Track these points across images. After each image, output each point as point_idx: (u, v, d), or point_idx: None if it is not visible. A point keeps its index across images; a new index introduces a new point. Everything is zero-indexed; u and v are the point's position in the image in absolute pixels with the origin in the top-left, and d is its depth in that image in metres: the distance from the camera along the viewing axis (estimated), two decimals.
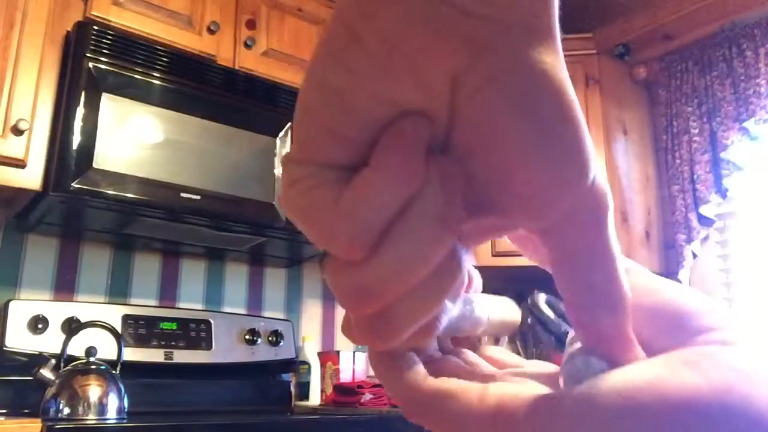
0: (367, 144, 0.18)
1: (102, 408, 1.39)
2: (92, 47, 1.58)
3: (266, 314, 2.12)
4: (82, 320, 1.62)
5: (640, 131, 2.46)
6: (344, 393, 1.86)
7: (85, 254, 1.85)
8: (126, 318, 1.76)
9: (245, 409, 1.89)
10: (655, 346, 0.20)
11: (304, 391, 1.97)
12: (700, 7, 2.29)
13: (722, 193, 2.19)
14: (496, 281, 2.09)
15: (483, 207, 0.19)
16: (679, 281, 2.14)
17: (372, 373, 2.22)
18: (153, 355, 1.75)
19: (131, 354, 1.68)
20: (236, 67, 1.87)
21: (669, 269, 2.28)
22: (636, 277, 0.22)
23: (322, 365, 2.03)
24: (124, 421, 1.40)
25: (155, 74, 1.67)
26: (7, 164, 1.48)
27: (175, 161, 1.65)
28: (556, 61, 0.18)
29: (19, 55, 1.52)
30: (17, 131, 1.48)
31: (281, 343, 2.01)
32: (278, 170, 1.82)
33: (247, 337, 1.95)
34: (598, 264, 0.19)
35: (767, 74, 2.14)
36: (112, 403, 1.41)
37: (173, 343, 1.80)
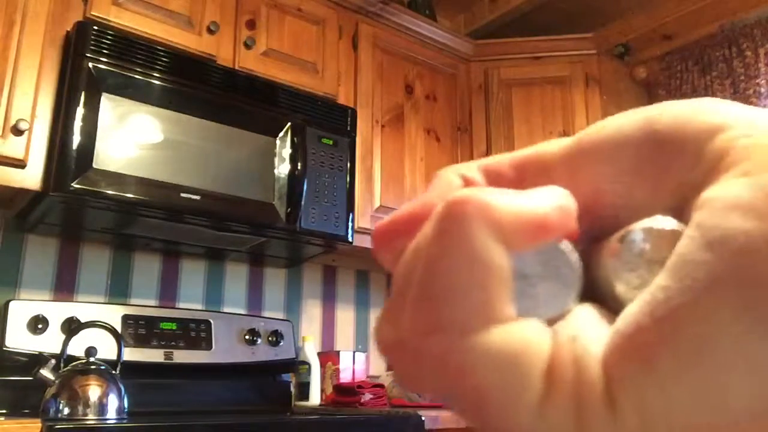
0: None
1: (102, 408, 1.39)
2: (92, 47, 1.58)
3: (266, 314, 2.12)
4: (82, 320, 1.62)
5: None
6: (344, 393, 1.86)
7: (85, 254, 1.85)
8: (126, 318, 1.76)
9: (245, 409, 1.89)
10: (633, 202, 0.18)
11: (304, 391, 1.97)
12: (700, 7, 2.29)
13: None
14: None
15: None
16: None
17: (372, 373, 2.22)
18: (153, 355, 1.75)
19: (131, 354, 1.68)
20: (236, 67, 1.87)
21: None
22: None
23: (322, 365, 2.03)
24: (124, 421, 1.40)
25: (155, 74, 1.67)
26: (7, 164, 1.48)
27: (175, 161, 1.65)
28: None
29: (19, 55, 1.52)
30: (17, 131, 1.48)
31: (281, 344, 2.01)
32: (278, 170, 1.82)
33: (247, 337, 1.95)
34: None
35: (767, 74, 2.14)
36: (112, 403, 1.41)
37: (173, 343, 1.80)
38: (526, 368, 0.16)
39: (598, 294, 0.18)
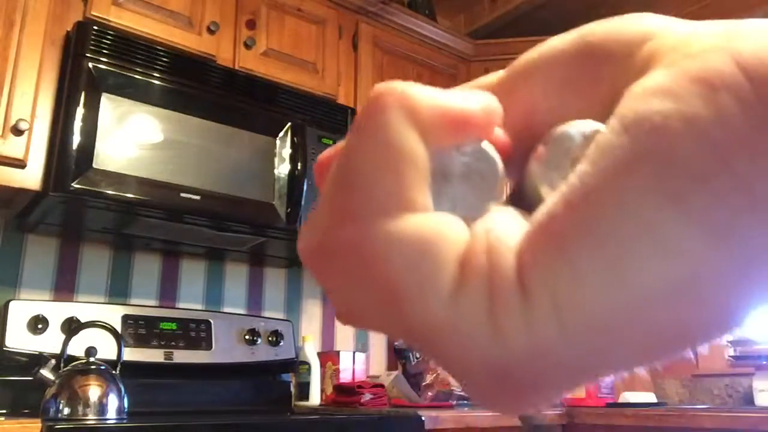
0: None
1: (102, 408, 1.39)
2: (92, 47, 1.58)
3: (266, 314, 2.12)
4: (82, 320, 1.62)
5: None
6: (344, 393, 1.86)
7: (85, 254, 1.85)
8: (126, 318, 1.76)
9: (245, 409, 1.89)
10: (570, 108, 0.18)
11: (304, 391, 1.97)
12: (700, 8, 2.29)
13: None
14: None
15: None
16: None
17: (372, 373, 2.22)
18: (153, 355, 1.75)
19: (131, 354, 1.68)
20: (236, 67, 1.87)
21: None
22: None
23: (322, 365, 2.03)
24: (124, 421, 1.40)
25: (155, 74, 1.67)
26: (7, 164, 1.48)
27: (175, 161, 1.65)
28: None
29: (19, 55, 1.52)
30: (17, 131, 1.48)
31: (281, 343, 2.01)
32: (278, 170, 1.82)
33: (247, 337, 1.95)
34: None
35: None
36: (112, 403, 1.41)
37: (173, 343, 1.80)
38: (438, 256, 0.15)
39: (529, 208, 0.17)
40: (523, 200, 0.18)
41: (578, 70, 0.18)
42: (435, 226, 0.16)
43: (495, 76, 0.20)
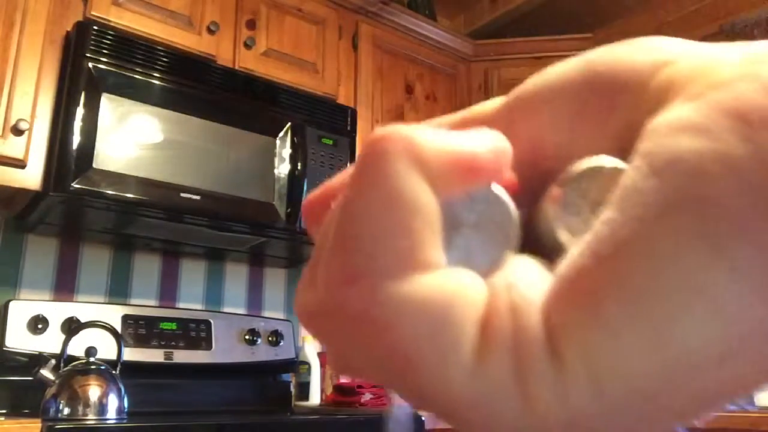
0: None
1: (102, 408, 1.39)
2: (92, 47, 1.58)
3: (266, 314, 2.12)
4: (82, 320, 1.62)
5: None
6: (344, 393, 1.86)
7: (85, 254, 1.85)
8: (126, 318, 1.76)
9: (245, 409, 1.89)
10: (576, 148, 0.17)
11: (304, 391, 1.97)
12: (700, 7, 2.29)
13: None
14: None
15: None
16: None
17: None
18: (153, 355, 1.75)
19: (131, 354, 1.68)
20: (236, 67, 1.87)
21: None
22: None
23: (322, 365, 2.03)
24: (124, 421, 1.40)
25: (155, 74, 1.67)
26: (7, 164, 1.48)
27: (175, 161, 1.65)
28: None
29: (19, 55, 1.52)
30: (17, 131, 1.48)
31: (281, 343, 2.01)
32: (278, 170, 1.82)
33: (247, 337, 1.95)
34: None
35: None
36: (112, 403, 1.41)
37: (173, 343, 1.80)
38: (457, 319, 0.14)
39: (543, 252, 0.16)
40: (535, 242, 0.17)
41: (587, 101, 0.17)
42: (451, 287, 0.14)
43: (492, 106, 0.19)
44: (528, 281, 0.14)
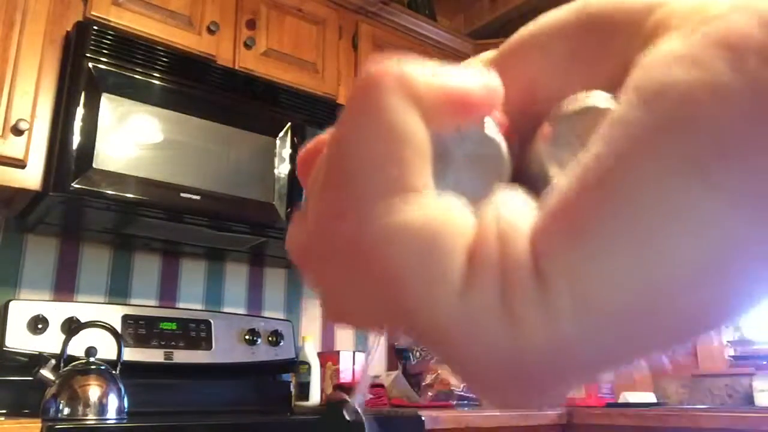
0: None
1: (102, 408, 1.39)
2: (92, 47, 1.58)
3: (266, 314, 2.12)
4: (82, 320, 1.62)
5: None
6: (344, 393, 1.85)
7: (85, 254, 1.85)
8: (126, 318, 1.76)
9: (245, 409, 1.88)
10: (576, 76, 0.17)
11: (304, 391, 1.97)
12: None
13: None
14: None
15: None
16: None
17: (372, 373, 2.22)
18: (153, 355, 1.75)
19: (131, 354, 1.68)
20: (236, 67, 1.86)
21: None
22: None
23: (322, 365, 2.03)
24: (124, 421, 1.40)
25: (155, 74, 1.67)
26: (7, 164, 1.48)
27: (175, 161, 1.65)
28: None
29: (19, 55, 1.52)
30: (17, 131, 1.48)
31: (281, 343, 2.01)
32: (278, 170, 1.82)
33: (247, 337, 1.95)
34: None
35: None
36: (112, 403, 1.41)
37: (173, 343, 1.80)
38: (446, 246, 0.14)
39: (535, 190, 0.16)
40: (527, 183, 0.17)
41: (581, 43, 0.17)
42: (439, 213, 0.14)
43: (486, 56, 0.19)
44: (516, 211, 0.15)
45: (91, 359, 1.46)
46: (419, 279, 0.14)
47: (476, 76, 0.17)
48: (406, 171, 0.15)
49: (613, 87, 0.15)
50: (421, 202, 0.15)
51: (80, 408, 1.37)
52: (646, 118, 0.13)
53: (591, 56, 0.17)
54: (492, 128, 0.17)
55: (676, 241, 0.12)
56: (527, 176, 0.17)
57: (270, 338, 2.00)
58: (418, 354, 2.13)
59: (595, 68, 0.17)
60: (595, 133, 0.14)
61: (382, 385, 1.91)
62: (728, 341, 2.20)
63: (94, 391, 1.39)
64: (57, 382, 1.39)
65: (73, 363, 1.45)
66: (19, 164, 1.49)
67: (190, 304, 1.99)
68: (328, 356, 2.08)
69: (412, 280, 0.14)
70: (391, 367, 2.31)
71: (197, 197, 1.65)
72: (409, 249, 0.14)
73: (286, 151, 1.84)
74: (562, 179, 0.14)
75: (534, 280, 0.13)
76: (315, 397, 1.96)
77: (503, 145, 0.17)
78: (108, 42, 1.61)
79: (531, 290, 0.13)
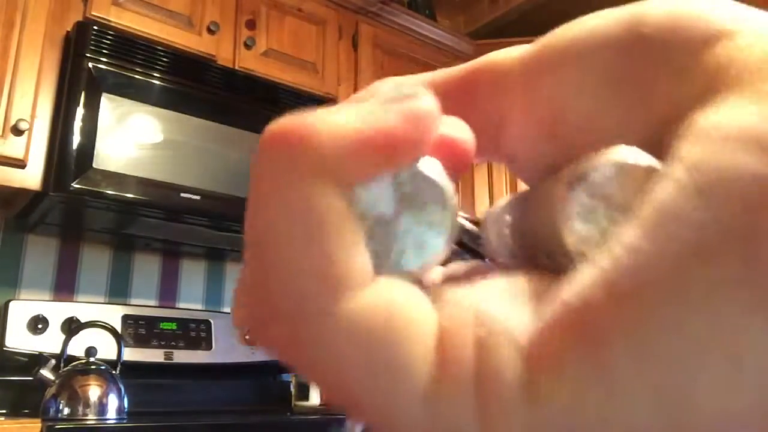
0: None
1: (102, 408, 1.39)
2: (92, 47, 1.58)
3: None
4: (82, 320, 1.62)
5: None
6: None
7: (85, 254, 1.85)
8: (126, 318, 1.76)
9: (245, 409, 1.88)
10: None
11: (304, 391, 1.97)
12: None
13: None
14: None
15: None
16: None
17: None
18: (153, 355, 1.75)
19: (131, 354, 1.68)
20: (236, 67, 1.86)
21: None
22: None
23: None
24: (124, 421, 1.40)
25: (155, 74, 1.67)
26: (7, 164, 1.48)
27: (175, 161, 1.65)
28: None
29: (19, 55, 1.52)
30: (17, 131, 1.48)
31: None
32: None
33: (247, 337, 1.95)
34: None
35: None
36: (112, 403, 1.41)
37: (173, 343, 1.80)
38: (403, 342, 0.12)
39: (534, 247, 0.14)
40: (525, 233, 0.14)
41: (625, 67, 0.14)
42: (387, 300, 0.12)
43: (513, 54, 0.16)
44: (494, 301, 0.12)
45: (91, 359, 1.46)
46: (374, 385, 0.12)
47: (399, 108, 0.13)
48: (330, 257, 0.12)
49: (650, 134, 0.13)
50: (361, 292, 0.12)
51: (80, 408, 1.37)
52: (703, 219, 0.10)
53: (632, 84, 0.14)
54: (432, 168, 0.13)
55: (719, 386, 0.10)
56: (531, 224, 0.14)
57: None
58: None
59: (636, 101, 0.13)
60: (630, 207, 0.11)
61: None
62: None
63: (94, 391, 1.39)
64: (57, 382, 1.39)
65: (73, 363, 1.45)
66: (19, 164, 1.49)
67: (190, 304, 1.99)
68: None
69: (366, 387, 0.12)
70: None
71: (197, 197, 1.66)
72: (357, 351, 0.12)
73: None
74: (584, 272, 0.11)
75: (523, 392, 0.11)
76: (315, 397, 1.96)
77: (449, 186, 0.13)
78: (108, 42, 1.61)
79: (516, 404, 0.11)
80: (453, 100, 0.15)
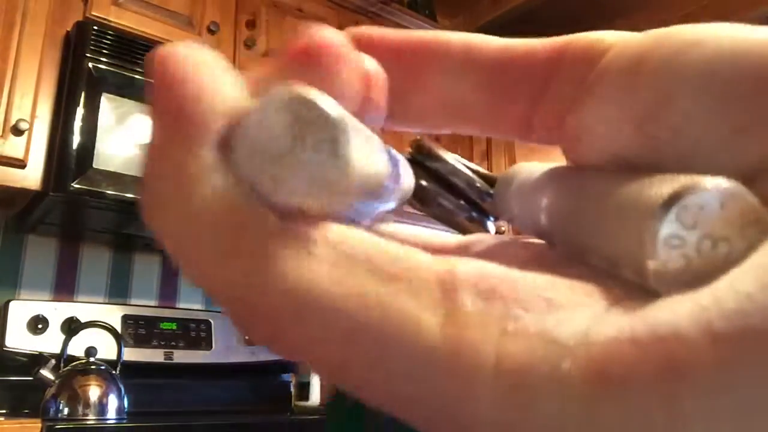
0: None
1: (102, 408, 1.39)
2: (92, 47, 1.58)
3: None
4: (82, 320, 1.62)
5: None
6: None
7: (85, 254, 1.85)
8: (126, 318, 1.76)
9: (245, 409, 1.88)
10: None
11: (304, 391, 1.97)
12: (700, 7, 2.29)
13: None
14: None
15: None
16: None
17: None
18: (153, 355, 1.75)
19: (131, 354, 1.68)
20: (236, 68, 1.86)
21: None
22: None
23: None
24: (124, 421, 1.40)
25: None
26: (7, 164, 1.48)
27: None
28: None
29: (19, 55, 1.52)
30: (17, 131, 1.48)
31: None
32: None
33: (247, 337, 1.95)
34: None
35: None
36: (112, 403, 1.41)
37: (173, 343, 1.80)
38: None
39: (592, 248, 0.12)
40: (586, 215, 0.13)
41: (759, 102, 0.12)
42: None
43: (546, 43, 0.15)
44: (558, 291, 0.11)
45: (91, 359, 1.46)
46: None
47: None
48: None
49: (755, 163, 0.11)
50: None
51: (80, 408, 1.37)
52: None
53: (759, 121, 0.12)
54: (319, 96, 0.12)
55: None
56: (589, 228, 0.13)
57: None
58: None
59: (746, 127, 0.12)
60: (722, 242, 0.11)
61: None
62: None
63: (94, 391, 1.40)
64: (57, 382, 1.39)
65: (73, 363, 1.45)
66: (19, 164, 1.49)
67: (190, 304, 1.99)
68: None
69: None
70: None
71: None
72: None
73: None
74: (677, 303, 0.10)
75: (562, 393, 0.10)
76: (315, 398, 1.96)
77: (332, 110, 0.12)
78: (108, 42, 1.61)
79: (552, 401, 0.10)
80: (533, 67, 0.14)
